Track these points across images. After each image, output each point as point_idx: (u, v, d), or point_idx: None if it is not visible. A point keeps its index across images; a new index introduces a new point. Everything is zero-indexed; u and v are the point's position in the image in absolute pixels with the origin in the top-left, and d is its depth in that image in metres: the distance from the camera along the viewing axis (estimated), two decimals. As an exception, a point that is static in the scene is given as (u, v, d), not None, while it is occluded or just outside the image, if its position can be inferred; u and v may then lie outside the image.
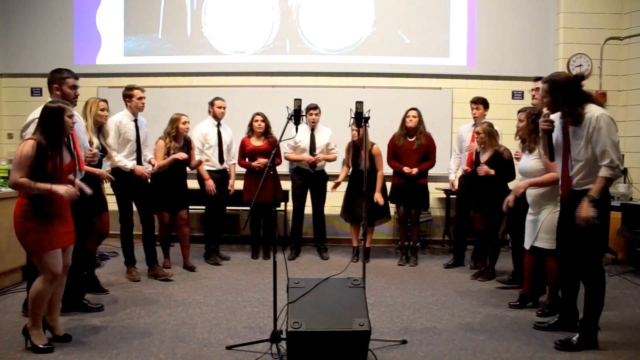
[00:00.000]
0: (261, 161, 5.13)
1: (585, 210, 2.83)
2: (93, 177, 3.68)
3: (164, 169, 4.64)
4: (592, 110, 2.86)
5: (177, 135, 4.76)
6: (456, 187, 5.28)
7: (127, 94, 4.45)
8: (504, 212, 3.91)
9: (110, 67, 6.43)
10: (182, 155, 4.67)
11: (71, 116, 2.91)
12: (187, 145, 4.86)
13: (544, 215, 3.53)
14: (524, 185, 3.61)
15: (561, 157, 3.06)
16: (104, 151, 3.93)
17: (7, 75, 6.61)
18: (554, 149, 3.08)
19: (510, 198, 3.77)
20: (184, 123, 4.78)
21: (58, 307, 3.09)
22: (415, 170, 5.07)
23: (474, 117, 5.11)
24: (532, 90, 4.21)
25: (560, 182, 3.15)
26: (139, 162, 4.43)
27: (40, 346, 2.89)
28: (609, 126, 2.82)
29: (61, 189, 2.81)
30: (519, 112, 3.90)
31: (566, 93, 2.91)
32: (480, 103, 5.09)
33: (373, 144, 5.15)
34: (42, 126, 2.84)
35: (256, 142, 5.29)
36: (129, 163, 4.32)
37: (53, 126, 2.83)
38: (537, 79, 4.13)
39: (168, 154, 4.69)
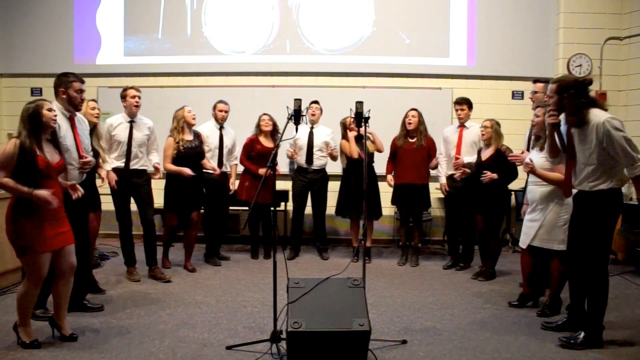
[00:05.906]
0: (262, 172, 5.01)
1: None
2: (87, 176, 3.66)
3: (172, 173, 4.58)
4: (598, 115, 2.90)
5: (185, 126, 4.66)
6: (447, 189, 5.24)
7: (122, 95, 4.41)
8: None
9: (110, 67, 6.42)
10: (187, 172, 4.53)
11: (50, 109, 2.93)
12: (198, 139, 4.79)
13: (544, 215, 3.53)
14: (532, 168, 3.47)
15: (564, 160, 3.08)
16: (96, 154, 3.89)
17: (7, 75, 6.61)
18: (559, 150, 3.12)
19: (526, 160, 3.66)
20: (189, 112, 4.68)
21: (65, 308, 3.10)
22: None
23: (459, 118, 5.11)
24: (530, 93, 4.19)
25: (564, 185, 3.15)
26: (127, 165, 4.33)
27: (27, 342, 2.94)
28: (617, 128, 2.86)
29: (42, 193, 2.79)
30: (537, 107, 3.88)
31: (572, 95, 2.95)
32: (465, 104, 5.07)
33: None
34: (24, 126, 2.88)
35: (267, 143, 5.21)
36: (110, 165, 4.26)
37: (33, 123, 2.87)
38: (535, 80, 4.11)
39: (178, 150, 4.59)
